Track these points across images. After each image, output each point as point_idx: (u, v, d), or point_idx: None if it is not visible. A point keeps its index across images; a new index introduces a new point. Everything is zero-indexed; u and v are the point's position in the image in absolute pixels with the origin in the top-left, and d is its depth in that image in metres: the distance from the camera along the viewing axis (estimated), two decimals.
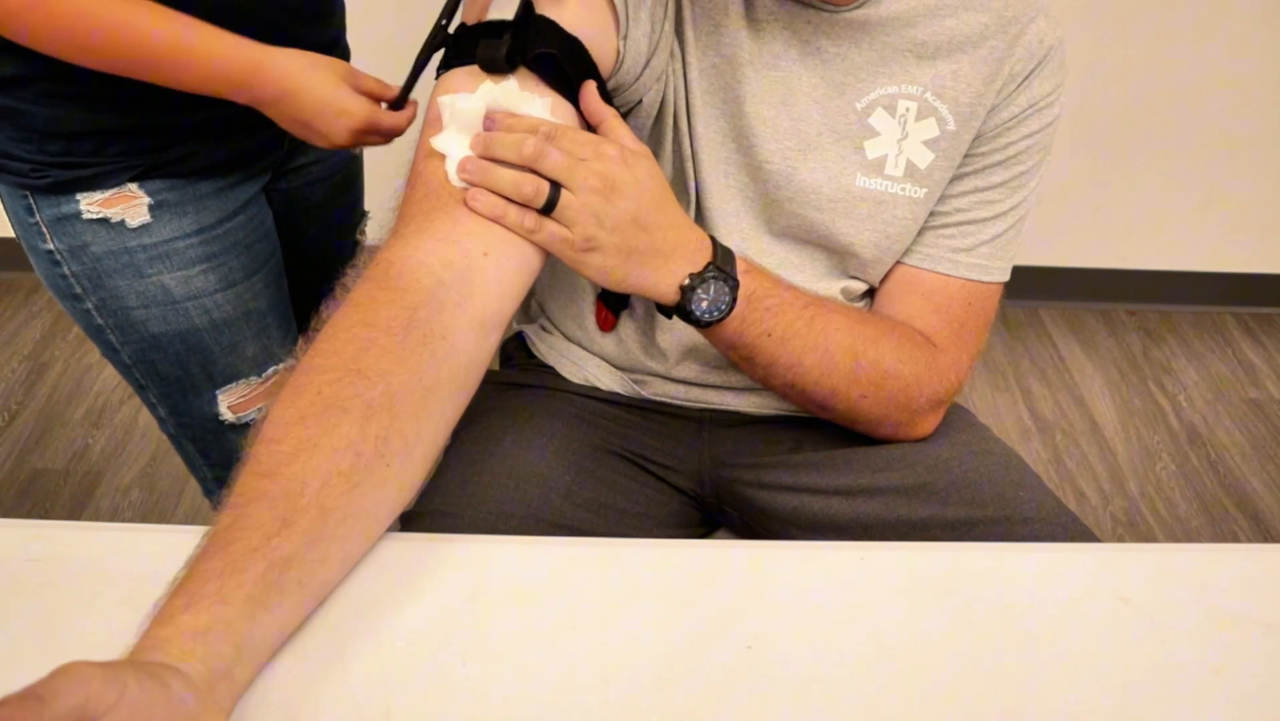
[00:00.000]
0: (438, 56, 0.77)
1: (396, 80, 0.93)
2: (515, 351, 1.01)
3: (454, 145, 0.69)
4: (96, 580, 0.58)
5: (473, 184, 0.68)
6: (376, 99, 0.91)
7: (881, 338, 0.81)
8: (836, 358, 0.79)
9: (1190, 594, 0.62)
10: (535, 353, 0.97)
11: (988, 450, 0.85)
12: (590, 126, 0.73)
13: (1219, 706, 0.55)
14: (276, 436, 0.56)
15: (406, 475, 0.60)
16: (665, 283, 0.72)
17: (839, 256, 0.86)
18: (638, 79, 0.76)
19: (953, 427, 0.88)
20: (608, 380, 0.93)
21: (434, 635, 0.56)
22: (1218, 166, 2.17)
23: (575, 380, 0.94)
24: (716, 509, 0.94)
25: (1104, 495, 1.83)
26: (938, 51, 0.80)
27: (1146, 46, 2.02)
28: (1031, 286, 2.29)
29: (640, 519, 0.88)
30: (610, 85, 0.75)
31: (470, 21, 0.73)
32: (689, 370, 0.91)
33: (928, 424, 0.86)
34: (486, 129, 0.69)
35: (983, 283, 0.85)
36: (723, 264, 0.73)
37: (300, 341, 0.61)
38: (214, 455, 1.07)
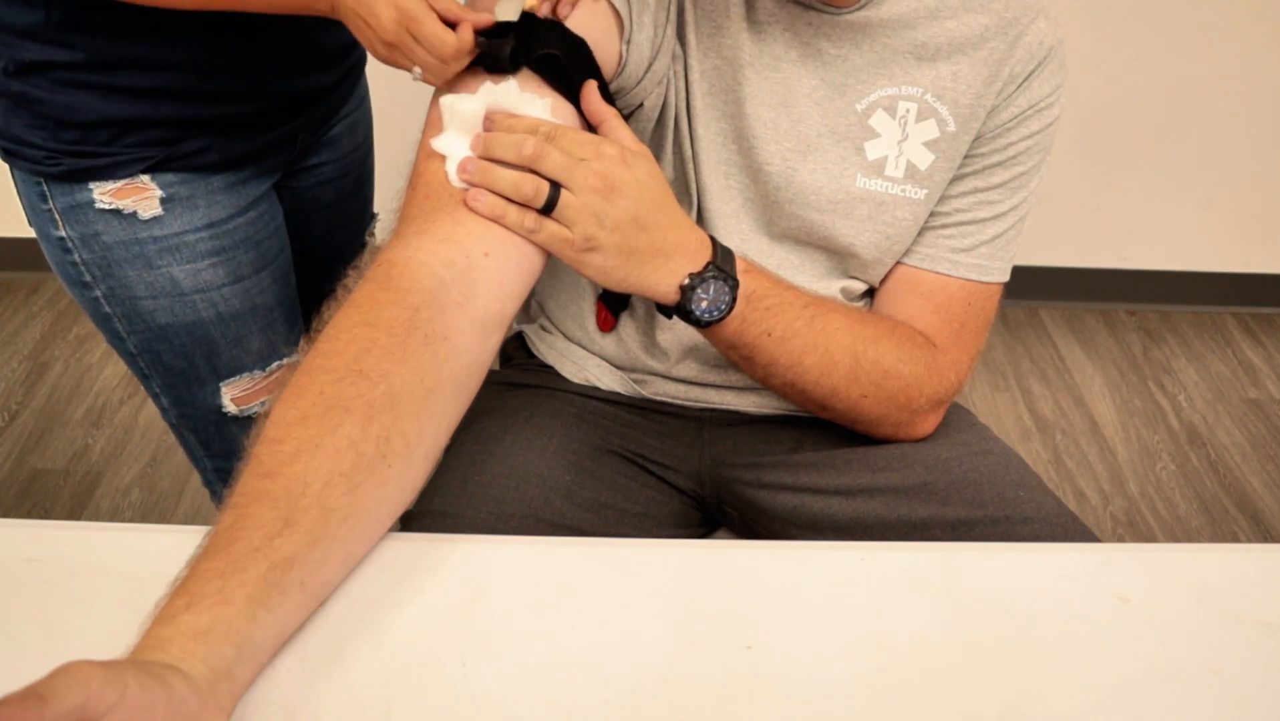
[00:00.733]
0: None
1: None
2: (515, 351, 1.01)
3: (454, 146, 0.69)
4: (96, 580, 0.58)
5: (473, 184, 0.68)
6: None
7: (881, 337, 0.81)
8: (836, 357, 0.79)
9: (1190, 594, 0.62)
10: (535, 352, 0.97)
11: (988, 450, 0.85)
12: (592, 127, 0.73)
13: (1219, 706, 0.55)
14: (278, 436, 0.56)
15: (408, 475, 0.60)
16: (665, 282, 0.72)
17: (839, 257, 0.86)
18: (640, 82, 0.76)
19: (953, 427, 0.88)
20: (608, 380, 0.93)
21: (434, 635, 0.56)
22: (1218, 166, 2.17)
23: (575, 380, 0.94)
24: (716, 509, 0.94)
25: (1104, 495, 1.83)
26: (938, 53, 0.80)
27: (1146, 47, 2.02)
28: (1031, 286, 2.29)
29: (640, 519, 0.88)
30: (613, 88, 0.75)
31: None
32: (689, 369, 0.91)
33: (928, 424, 0.86)
34: (486, 129, 0.69)
35: (983, 283, 0.85)
36: (723, 264, 0.73)
37: (302, 341, 0.62)
38: (215, 446, 1.08)
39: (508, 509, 0.79)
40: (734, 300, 0.74)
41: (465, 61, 0.71)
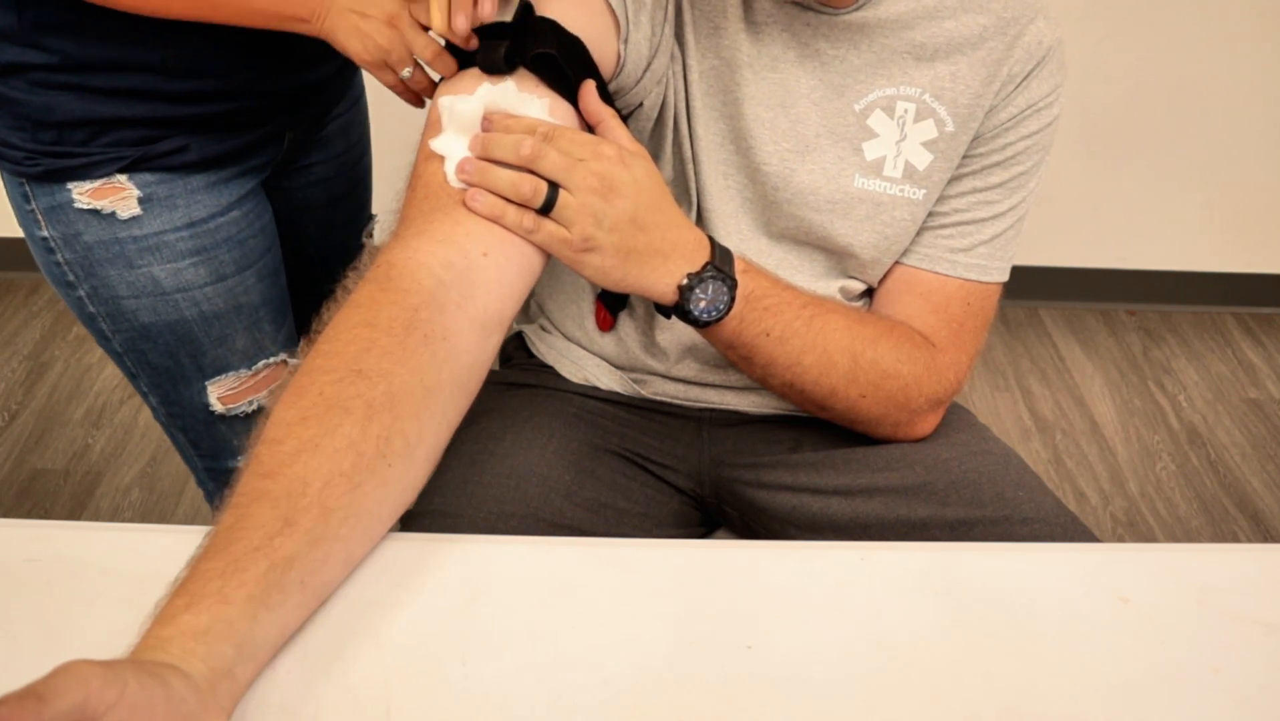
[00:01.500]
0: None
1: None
2: (515, 351, 1.01)
3: (453, 146, 0.69)
4: (96, 580, 0.58)
5: (471, 184, 0.68)
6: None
7: (880, 337, 0.81)
8: (835, 357, 0.79)
9: (1190, 594, 0.62)
10: (535, 352, 0.97)
11: (987, 450, 0.85)
12: (589, 127, 0.73)
13: (1219, 706, 0.55)
14: (278, 436, 0.56)
15: (408, 475, 0.60)
16: (664, 282, 0.72)
17: (837, 257, 0.86)
18: (638, 82, 0.76)
19: (952, 428, 0.88)
20: (607, 380, 0.93)
21: (434, 635, 0.56)
22: (1218, 166, 2.17)
23: (575, 380, 0.94)
24: (716, 508, 0.94)
25: (1104, 495, 1.83)
26: (936, 53, 0.80)
27: (1146, 47, 2.03)
28: (1031, 286, 2.29)
29: (640, 518, 0.88)
30: (612, 88, 0.75)
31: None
32: (689, 369, 0.91)
33: (927, 424, 0.86)
34: (485, 130, 0.69)
35: (981, 283, 0.85)
36: (721, 263, 0.73)
37: (302, 342, 0.62)
38: (204, 446, 1.08)
39: (508, 508, 0.79)
40: (732, 300, 0.74)
41: (468, 39, 0.72)
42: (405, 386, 0.59)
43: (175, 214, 0.93)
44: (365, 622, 0.56)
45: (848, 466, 0.85)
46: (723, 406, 0.93)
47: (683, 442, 0.93)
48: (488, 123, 0.70)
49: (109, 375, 1.96)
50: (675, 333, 0.88)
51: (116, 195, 0.91)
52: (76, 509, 1.68)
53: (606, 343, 0.92)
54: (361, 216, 1.19)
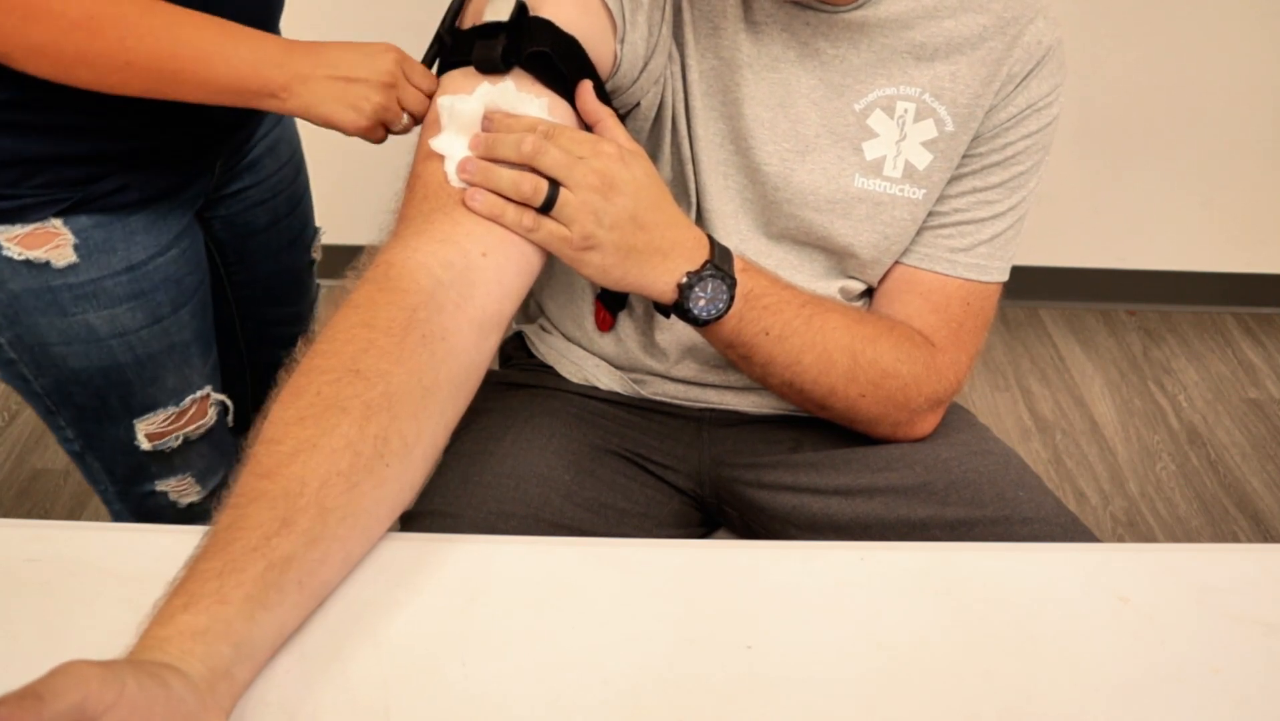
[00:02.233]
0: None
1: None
2: (515, 351, 1.01)
3: (453, 146, 0.69)
4: (96, 580, 0.58)
5: (472, 184, 0.68)
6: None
7: (880, 337, 0.81)
8: (834, 356, 0.79)
9: (1190, 594, 0.62)
10: (535, 352, 0.97)
11: (988, 450, 0.85)
12: (588, 127, 0.73)
13: (1219, 706, 0.55)
14: (276, 436, 0.56)
15: (406, 475, 0.60)
16: (663, 281, 0.72)
17: (837, 257, 0.86)
18: (635, 82, 0.76)
19: (952, 427, 0.88)
20: (607, 380, 0.93)
21: (434, 635, 0.56)
22: (1218, 166, 2.17)
23: (575, 380, 0.94)
24: (716, 509, 0.94)
25: (1104, 495, 1.83)
26: (935, 53, 0.80)
27: (1146, 47, 2.02)
28: (1031, 286, 2.29)
29: (640, 519, 0.88)
30: (609, 87, 0.75)
31: (467, 25, 0.73)
32: (688, 369, 0.91)
33: (927, 424, 0.86)
34: (485, 129, 0.69)
35: (981, 282, 0.85)
36: (720, 262, 0.73)
37: (301, 342, 0.61)
38: (119, 473, 1.02)
39: (507, 508, 0.79)
40: (732, 299, 0.74)
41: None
42: (403, 386, 0.59)
43: (113, 258, 0.87)
44: (364, 622, 0.56)
45: (848, 466, 0.85)
46: (723, 406, 0.93)
47: (683, 443, 0.93)
48: (488, 122, 0.70)
49: None
50: (675, 333, 0.88)
51: (50, 244, 0.84)
52: (76, 509, 1.68)
53: (606, 343, 0.92)
54: (306, 234, 1.15)
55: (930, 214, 0.84)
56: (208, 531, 0.53)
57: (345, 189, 2.20)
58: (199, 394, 1.00)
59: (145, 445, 0.98)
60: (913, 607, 0.60)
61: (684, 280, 0.72)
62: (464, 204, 0.68)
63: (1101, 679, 0.56)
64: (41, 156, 0.81)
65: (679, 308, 0.73)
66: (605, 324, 0.90)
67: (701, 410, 0.94)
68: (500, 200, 0.68)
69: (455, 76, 0.72)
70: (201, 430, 1.02)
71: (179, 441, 1.00)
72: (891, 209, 0.82)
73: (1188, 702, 0.55)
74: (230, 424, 1.10)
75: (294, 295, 1.14)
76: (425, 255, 0.65)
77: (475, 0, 0.75)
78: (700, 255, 0.73)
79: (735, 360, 0.81)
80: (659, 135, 0.81)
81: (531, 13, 0.70)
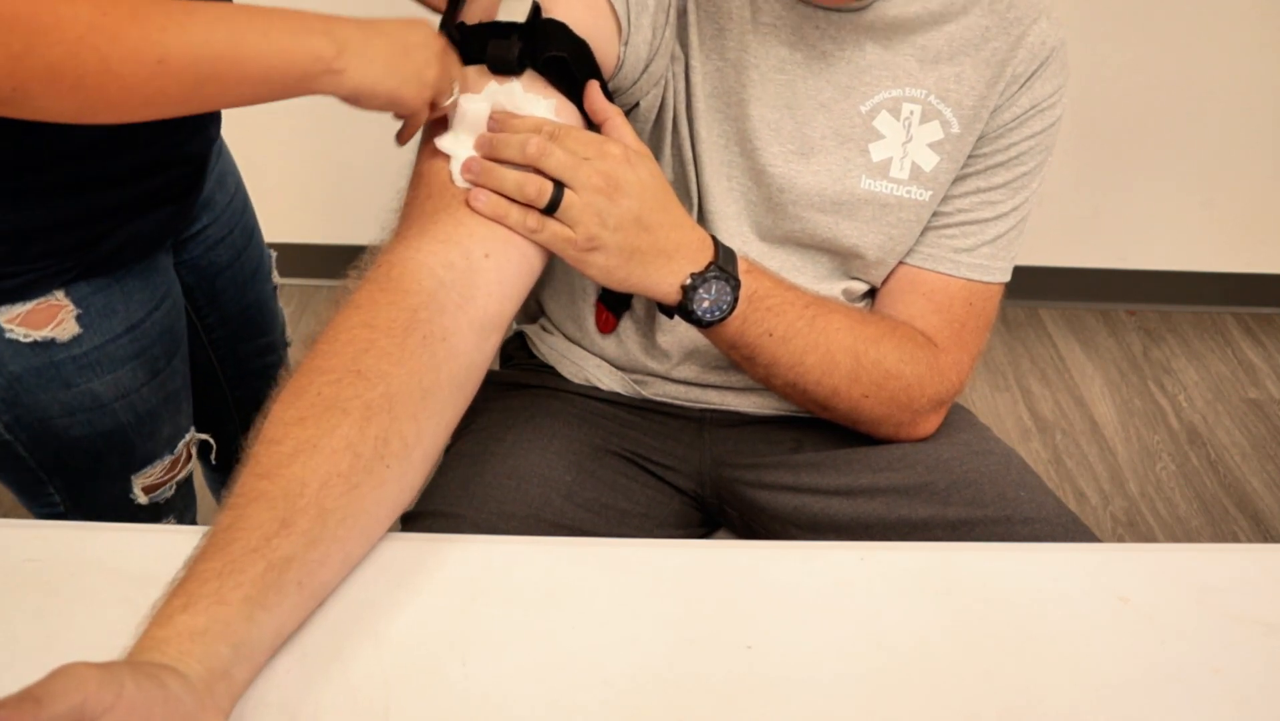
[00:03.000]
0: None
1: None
2: (516, 351, 1.01)
3: (458, 145, 0.69)
4: (96, 580, 0.58)
5: (476, 184, 0.68)
6: None
7: (883, 337, 0.81)
8: (838, 357, 0.79)
9: (1190, 594, 0.62)
10: (535, 353, 0.97)
11: (988, 450, 0.85)
12: (594, 126, 0.73)
13: (1219, 706, 0.55)
14: (276, 437, 0.56)
15: (406, 476, 0.60)
16: (667, 282, 0.72)
17: (842, 258, 0.86)
18: (635, 83, 0.76)
19: (953, 428, 0.88)
20: (608, 380, 0.93)
21: (434, 635, 0.56)
22: (1218, 166, 2.17)
23: (575, 380, 0.94)
24: (717, 509, 0.94)
25: (1104, 495, 1.83)
26: (940, 55, 0.80)
27: (1147, 47, 2.02)
28: (1031, 286, 2.29)
29: (641, 519, 0.88)
30: (610, 87, 0.75)
31: (470, 23, 0.73)
32: (689, 370, 0.91)
33: (929, 424, 0.86)
34: (490, 129, 0.69)
35: (984, 283, 0.85)
36: (724, 264, 0.73)
37: (300, 344, 0.61)
38: (92, 514, 0.94)
39: (508, 509, 0.79)
40: (735, 300, 0.74)
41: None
42: (403, 387, 0.59)
43: (114, 321, 0.82)
44: (365, 622, 0.56)
45: (849, 466, 0.85)
46: (724, 407, 0.93)
47: (683, 443, 0.93)
48: (493, 122, 0.70)
49: None
50: (677, 334, 0.88)
51: (54, 320, 0.78)
52: None
53: (607, 344, 0.92)
54: (265, 263, 1.09)
55: (934, 214, 0.84)
56: (207, 531, 0.53)
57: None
58: (188, 437, 0.97)
59: (142, 499, 0.94)
60: (913, 607, 0.60)
61: (688, 281, 0.72)
62: (467, 204, 0.68)
63: (1101, 679, 0.56)
64: (34, 225, 0.75)
65: (682, 309, 0.73)
66: (607, 325, 0.90)
67: (702, 410, 0.94)
68: (504, 201, 0.68)
69: (463, 74, 0.72)
70: (189, 472, 0.99)
71: (173, 491, 0.97)
72: (898, 210, 0.82)
73: (1188, 702, 0.55)
74: (214, 461, 1.08)
75: (265, 326, 1.11)
76: (427, 255, 0.65)
77: None
78: (704, 256, 0.73)
79: (738, 361, 0.81)
80: (659, 136, 0.81)
81: (544, 14, 0.70)
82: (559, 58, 0.70)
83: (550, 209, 0.68)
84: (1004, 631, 0.58)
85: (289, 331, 1.17)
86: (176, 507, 1.01)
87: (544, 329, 0.97)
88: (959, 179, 0.83)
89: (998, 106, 0.81)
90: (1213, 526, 1.78)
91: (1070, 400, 2.06)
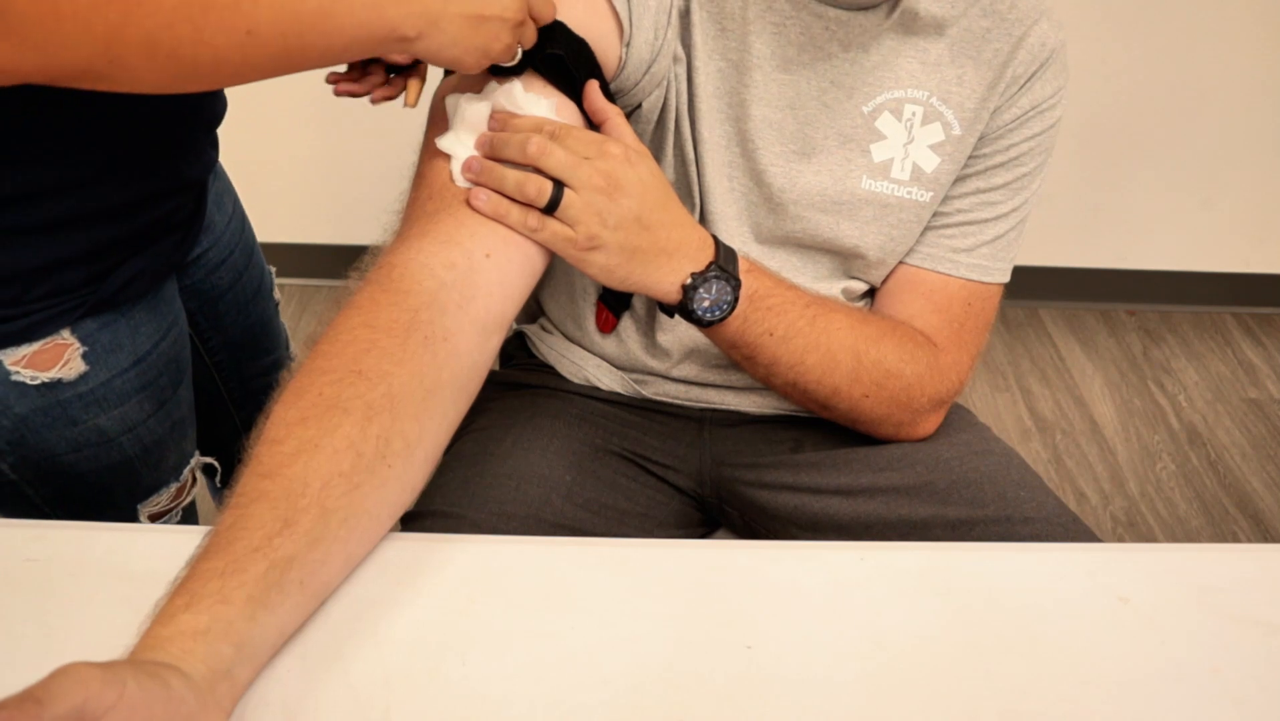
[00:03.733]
0: None
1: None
2: (516, 351, 1.01)
3: (459, 145, 0.69)
4: (96, 580, 0.58)
5: (477, 183, 0.68)
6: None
7: (883, 337, 0.81)
8: (838, 357, 0.79)
9: (1190, 594, 0.62)
10: (535, 352, 0.97)
11: (988, 450, 0.85)
12: (595, 126, 0.74)
13: (1219, 706, 0.55)
14: (278, 437, 0.56)
15: (407, 476, 0.60)
16: (667, 281, 0.72)
17: (842, 258, 0.86)
18: (638, 84, 0.76)
19: (954, 427, 0.88)
20: (608, 380, 0.93)
21: (434, 635, 0.56)
22: (1218, 166, 2.17)
23: (575, 380, 0.94)
24: (717, 508, 0.94)
25: (1104, 495, 1.83)
26: (942, 57, 0.80)
27: (1146, 48, 2.02)
28: (1031, 286, 2.29)
29: (641, 519, 0.88)
30: (612, 88, 0.75)
31: None
32: (690, 369, 0.91)
33: (929, 424, 0.86)
34: (491, 129, 0.70)
35: (983, 283, 0.85)
36: (725, 263, 0.73)
37: (300, 346, 0.61)
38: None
39: (508, 509, 0.79)
40: (736, 299, 0.74)
41: None
42: (405, 387, 0.59)
43: (121, 356, 0.81)
44: (365, 622, 0.56)
45: (849, 466, 0.85)
46: (724, 406, 0.93)
47: (684, 443, 0.93)
48: (494, 122, 0.70)
49: None
50: (677, 334, 0.88)
51: (61, 360, 0.77)
52: None
53: (607, 343, 0.92)
54: (266, 281, 1.08)
55: (934, 214, 0.85)
56: (209, 531, 0.53)
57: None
58: (193, 462, 0.96)
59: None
60: (913, 607, 0.60)
61: (688, 281, 0.72)
62: (468, 203, 0.68)
63: (1101, 679, 0.56)
64: (38, 264, 0.73)
65: (683, 308, 0.74)
66: (607, 325, 0.90)
67: (702, 410, 0.94)
68: (505, 200, 0.68)
69: (462, 74, 0.72)
70: (193, 497, 0.98)
71: (179, 517, 0.96)
72: (899, 211, 0.82)
73: (1188, 702, 0.55)
74: (218, 484, 1.07)
75: (269, 345, 1.10)
76: (428, 256, 0.65)
77: None
78: (705, 256, 0.73)
79: (739, 360, 0.81)
80: (661, 137, 0.81)
81: None
82: (558, 56, 0.70)
83: (550, 208, 0.68)
84: (1004, 631, 0.58)
85: (294, 347, 1.16)
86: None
87: (544, 328, 0.97)
88: (959, 179, 0.83)
89: (998, 107, 0.81)
90: (1213, 526, 1.78)
91: (1070, 400, 2.06)
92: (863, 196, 0.82)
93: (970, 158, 0.83)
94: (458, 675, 0.54)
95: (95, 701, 0.40)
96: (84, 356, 0.78)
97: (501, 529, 0.77)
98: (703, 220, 0.83)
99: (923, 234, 0.85)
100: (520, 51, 0.68)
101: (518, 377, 0.96)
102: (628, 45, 0.73)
